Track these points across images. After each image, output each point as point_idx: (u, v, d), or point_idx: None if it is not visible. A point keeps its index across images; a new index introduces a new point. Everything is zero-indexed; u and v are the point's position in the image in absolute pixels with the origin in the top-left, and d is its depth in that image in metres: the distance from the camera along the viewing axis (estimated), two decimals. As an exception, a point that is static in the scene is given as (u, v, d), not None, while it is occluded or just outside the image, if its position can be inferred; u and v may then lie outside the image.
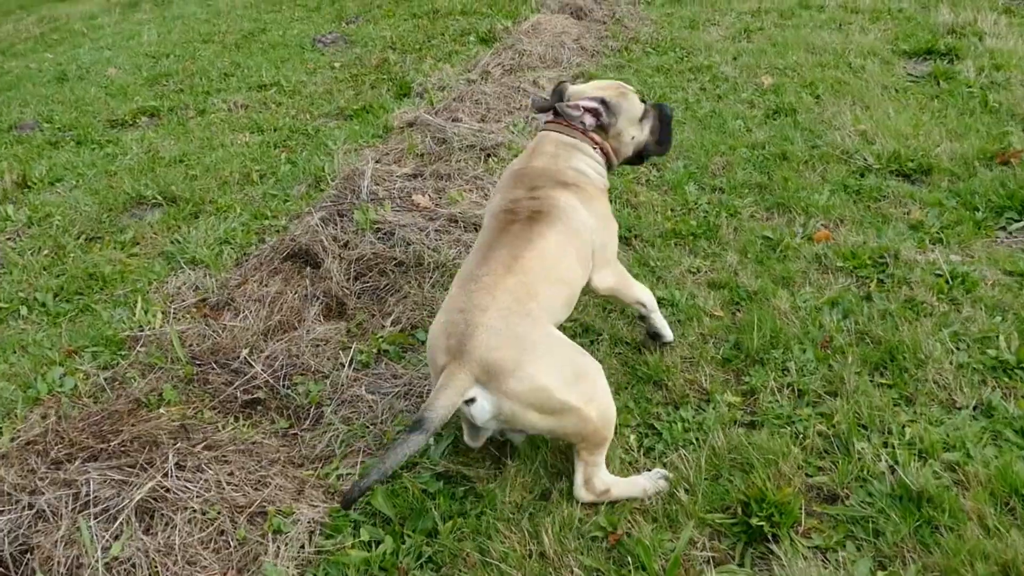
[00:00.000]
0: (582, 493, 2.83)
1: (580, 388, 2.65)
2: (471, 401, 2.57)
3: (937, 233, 4.31)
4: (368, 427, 3.32)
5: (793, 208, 4.70)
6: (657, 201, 4.95)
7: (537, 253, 2.86)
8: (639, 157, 3.54)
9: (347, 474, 3.07)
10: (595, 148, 3.30)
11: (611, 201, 4.93)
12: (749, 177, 5.13)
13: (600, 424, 2.70)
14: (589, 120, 3.27)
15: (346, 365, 3.62)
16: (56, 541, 2.61)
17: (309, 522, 2.80)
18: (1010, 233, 4.32)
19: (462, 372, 2.55)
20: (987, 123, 5.52)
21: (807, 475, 2.90)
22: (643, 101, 3.44)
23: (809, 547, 2.62)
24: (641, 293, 3.45)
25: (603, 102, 3.27)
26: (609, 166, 3.41)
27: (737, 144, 5.61)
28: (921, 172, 4.97)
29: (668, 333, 3.59)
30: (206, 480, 2.84)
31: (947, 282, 3.86)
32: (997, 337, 3.44)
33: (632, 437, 3.14)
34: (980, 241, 4.22)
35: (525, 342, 2.61)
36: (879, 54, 7.21)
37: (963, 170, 4.90)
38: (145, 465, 2.86)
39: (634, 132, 3.39)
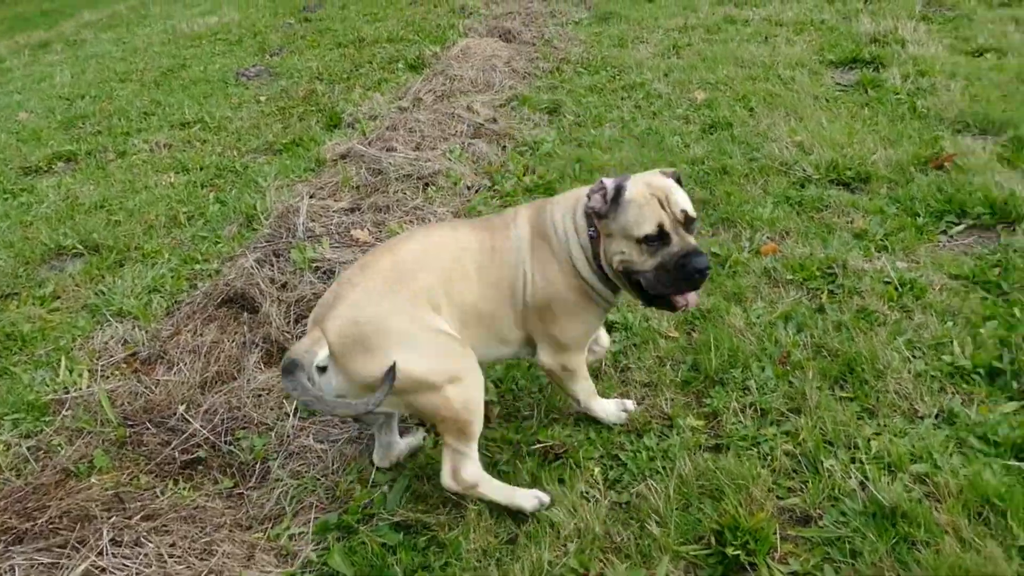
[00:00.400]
0: (448, 482, 2.78)
1: (442, 367, 2.61)
2: (323, 370, 2.56)
3: (881, 240, 4.33)
4: (319, 479, 3.14)
5: (738, 222, 4.68)
6: (601, 223, 4.87)
7: (428, 240, 2.82)
8: (637, 287, 2.81)
9: (299, 533, 2.88)
10: (591, 231, 2.83)
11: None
12: (692, 193, 5.05)
13: (461, 410, 2.66)
14: (595, 200, 2.78)
15: (291, 415, 3.43)
16: (-20, 636, 2.38)
17: (261, 591, 2.61)
18: (951, 237, 4.36)
19: (317, 331, 2.60)
20: (918, 128, 5.62)
21: (778, 498, 2.83)
22: (679, 231, 2.71)
23: (787, 573, 2.54)
24: (580, 391, 3.16)
25: (618, 189, 2.74)
26: (604, 273, 2.87)
27: (677, 160, 5.59)
28: (860, 180, 5.02)
29: (611, 420, 3.24)
30: (146, 554, 2.62)
31: (896, 289, 3.86)
32: (951, 342, 3.43)
33: (596, 470, 3.03)
34: (924, 246, 4.25)
35: (385, 327, 2.57)
36: (807, 65, 7.32)
37: (900, 176, 4.96)
38: (77, 544, 2.63)
39: (624, 248, 2.73)
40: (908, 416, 3.12)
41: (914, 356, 3.41)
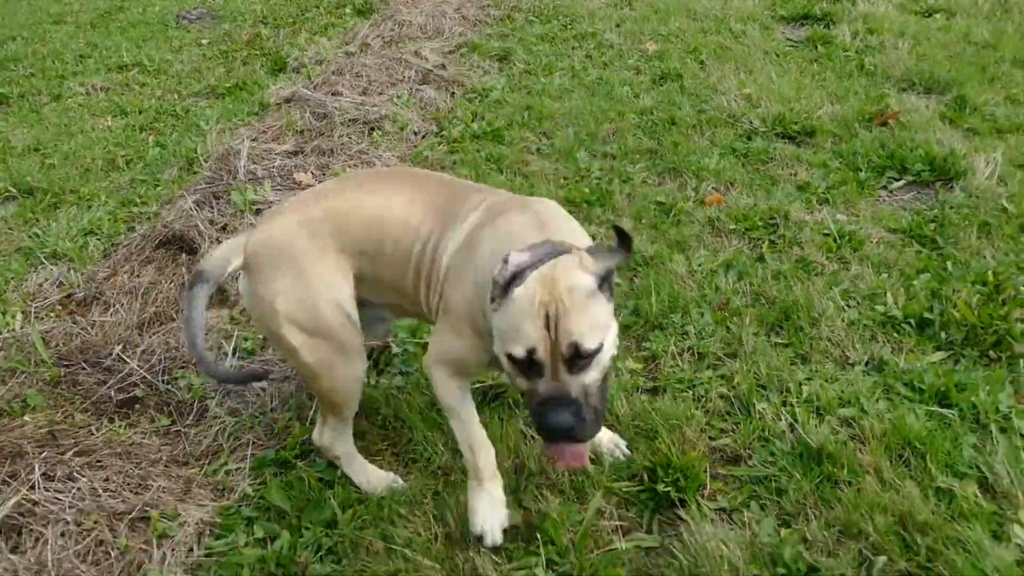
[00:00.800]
0: (315, 436, 2.80)
1: (320, 349, 2.54)
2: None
3: (823, 193, 4.41)
4: (257, 417, 3.12)
5: (684, 172, 4.72)
6: (549, 169, 4.88)
7: (386, 205, 2.56)
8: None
9: (236, 468, 2.88)
10: (493, 304, 2.15)
11: (501, 171, 4.88)
12: (639, 143, 5.13)
13: (328, 392, 2.64)
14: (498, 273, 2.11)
15: (230, 354, 3.40)
16: (-93, 570, 2.34)
17: (198, 523, 2.61)
18: (891, 192, 4.46)
19: (242, 238, 2.62)
20: (864, 85, 5.71)
21: (710, 438, 2.90)
22: (558, 368, 2.05)
23: (715, 509, 2.61)
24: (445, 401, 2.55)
25: (513, 276, 2.07)
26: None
27: (626, 110, 5.60)
28: (805, 134, 5.09)
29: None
30: (79, 488, 2.60)
31: (835, 241, 3.95)
32: (884, 293, 3.52)
33: (535, 407, 3.06)
34: (864, 200, 4.34)
35: (289, 258, 2.51)
36: (758, 19, 7.36)
37: (844, 132, 5.04)
38: (8, 479, 2.60)
39: (498, 349, 2.15)
40: (839, 363, 3.21)
41: (848, 305, 3.50)
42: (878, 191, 4.46)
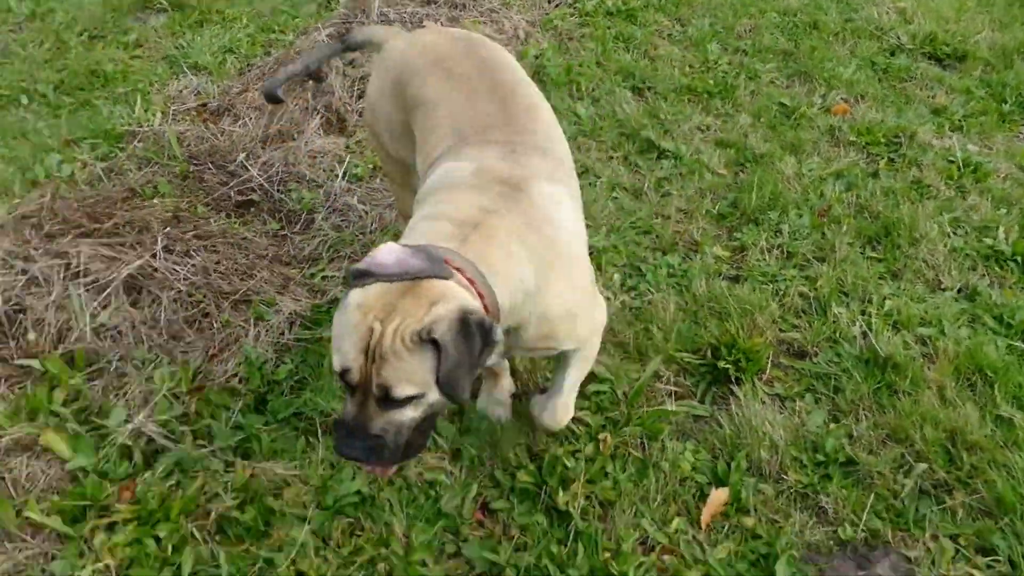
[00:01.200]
0: None
1: (386, 162, 2.77)
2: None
3: (959, 120, 4.24)
4: (357, 235, 3.34)
5: (815, 78, 4.58)
6: (676, 56, 4.81)
7: (448, 91, 2.35)
8: None
9: (332, 276, 3.12)
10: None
11: (628, 51, 4.84)
12: (775, 43, 4.97)
13: (403, 214, 2.76)
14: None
15: (340, 176, 3.61)
16: (47, 305, 2.69)
17: (291, 314, 2.88)
18: (1036, 130, 4.24)
19: (391, 31, 2.80)
20: (1035, 15, 5.32)
21: (780, 330, 2.96)
22: (367, 397, 1.78)
23: (769, 394, 2.70)
24: None
25: (358, 273, 1.81)
26: None
27: (768, 8, 5.40)
28: (955, 58, 4.84)
29: None
30: (193, 265, 2.89)
31: (959, 169, 3.83)
32: (997, 228, 3.43)
33: (616, 275, 3.16)
34: (1002, 134, 4.16)
35: (384, 82, 2.57)
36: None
37: (1000, 61, 4.77)
38: (135, 245, 2.91)
39: None
40: (931, 285, 3.18)
41: (955, 233, 3.43)
42: (1020, 127, 4.25)
